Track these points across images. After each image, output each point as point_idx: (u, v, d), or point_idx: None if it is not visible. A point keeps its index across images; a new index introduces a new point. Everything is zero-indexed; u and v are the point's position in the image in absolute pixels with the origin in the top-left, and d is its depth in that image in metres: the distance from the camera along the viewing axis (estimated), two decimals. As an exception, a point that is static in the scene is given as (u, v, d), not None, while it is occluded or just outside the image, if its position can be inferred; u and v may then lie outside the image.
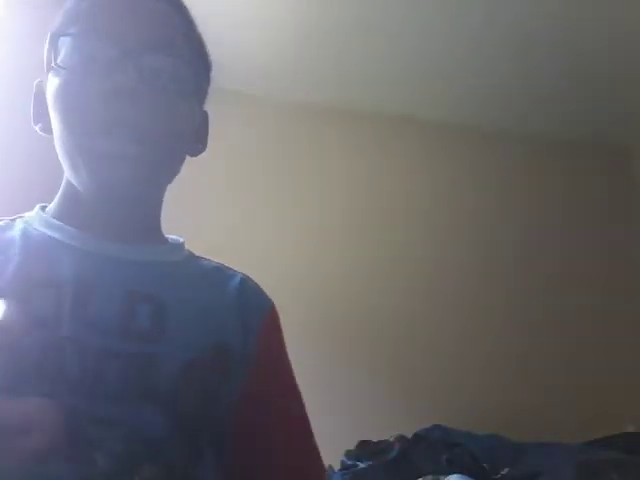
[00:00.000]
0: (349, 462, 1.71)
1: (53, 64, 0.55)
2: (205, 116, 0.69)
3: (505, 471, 1.58)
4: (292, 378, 0.65)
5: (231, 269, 0.68)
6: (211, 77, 0.67)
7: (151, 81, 0.55)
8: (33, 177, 1.61)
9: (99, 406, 0.47)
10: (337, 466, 1.70)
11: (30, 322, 0.44)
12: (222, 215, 2.14)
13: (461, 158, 2.53)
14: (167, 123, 0.57)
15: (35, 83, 0.62)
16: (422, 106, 2.43)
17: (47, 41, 0.58)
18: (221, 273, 0.66)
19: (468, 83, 2.26)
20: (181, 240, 0.68)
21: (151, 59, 0.56)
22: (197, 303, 0.59)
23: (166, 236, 0.68)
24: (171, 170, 0.62)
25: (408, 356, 2.18)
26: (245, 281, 0.66)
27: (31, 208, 0.64)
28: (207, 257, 0.69)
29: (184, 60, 0.58)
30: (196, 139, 0.66)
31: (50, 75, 0.57)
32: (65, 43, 0.55)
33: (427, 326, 2.24)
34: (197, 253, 0.69)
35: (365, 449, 1.76)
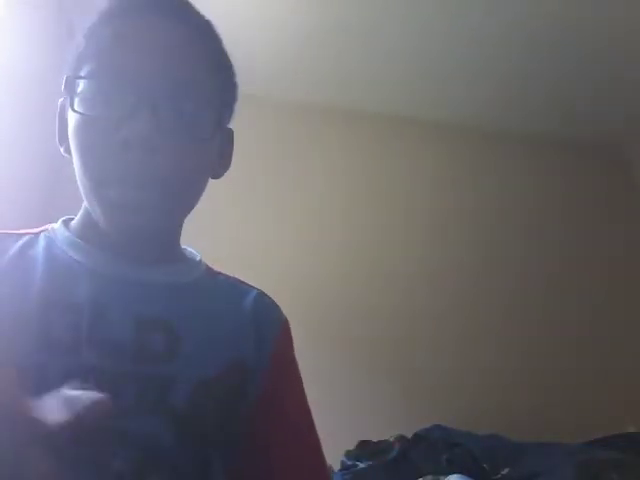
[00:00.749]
0: (349, 462, 1.71)
1: (70, 109, 0.55)
2: (230, 134, 0.68)
3: (505, 471, 1.58)
4: (303, 393, 0.65)
5: (247, 284, 0.68)
6: (237, 93, 0.67)
7: (168, 127, 0.54)
8: (33, 176, 1.61)
9: (116, 421, 0.47)
10: (337, 466, 1.70)
11: (51, 347, 0.49)
12: (222, 215, 2.14)
13: (461, 158, 2.53)
14: (186, 169, 0.56)
15: (59, 102, 0.62)
16: (422, 106, 2.43)
17: (64, 81, 0.57)
18: (236, 289, 0.67)
19: (469, 83, 2.26)
20: (198, 257, 0.68)
21: (168, 104, 0.54)
22: (212, 322, 0.59)
23: (184, 248, 0.68)
24: (191, 206, 0.62)
25: (408, 356, 2.18)
26: (260, 297, 0.66)
27: (31, 209, 0.64)
28: (223, 271, 0.70)
29: (204, 98, 0.57)
30: (220, 161, 0.66)
31: (70, 111, 0.56)
32: (81, 84, 0.55)
33: (427, 326, 2.24)
34: (196, 251, 0.70)
35: (365, 449, 1.76)
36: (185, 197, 0.59)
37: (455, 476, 1.50)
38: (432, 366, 2.18)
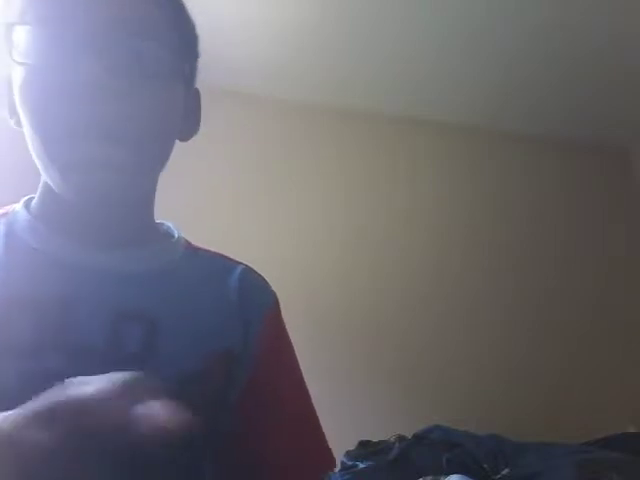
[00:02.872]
0: (349, 462, 1.71)
1: (10, 58, 0.48)
2: (196, 95, 0.61)
3: (505, 471, 1.58)
4: (295, 372, 0.61)
5: (231, 260, 0.63)
6: (198, 48, 0.59)
7: (121, 68, 0.47)
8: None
9: None
10: (337, 466, 1.70)
11: (9, 351, 0.43)
12: (221, 215, 2.14)
13: (461, 158, 2.53)
14: (146, 115, 0.49)
15: (6, 73, 0.54)
16: (423, 107, 2.43)
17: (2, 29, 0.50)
18: (220, 268, 0.61)
19: (469, 84, 2.26)
20: (175, 234, 0.62)
21: (119, 43, 0.47)
22: (194, 311, 0.54)
23: (160, 224, 0.62)
24: (159, 162, 0.55)
25: (408, 356, 2.18)
26: (245, 275, 0.61)
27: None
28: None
29: (161, 37, 0.50)
30: (186, 122, 0.58)
31: (14, 68, 0.49)
32: (23, 32, 0.47)
33: (427, 326, 2.24)
34: (173, 226, 0.65)
35: (365, 449, 1.76)
36: (150, 149, 0.51)
37: (455, 476, 1.50)
38: (432, 366, 2.19)
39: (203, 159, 2.03)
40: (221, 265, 0.62)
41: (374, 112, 2.45)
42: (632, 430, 2.02)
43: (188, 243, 0.62)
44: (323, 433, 0.60)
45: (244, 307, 0.58)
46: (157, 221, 0.62)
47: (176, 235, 0.61)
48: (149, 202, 0.59)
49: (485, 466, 1.60)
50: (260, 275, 0.64)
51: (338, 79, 2.28)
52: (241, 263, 0.63)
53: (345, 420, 1.88)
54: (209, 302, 0.56)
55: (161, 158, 0.55)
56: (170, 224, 0.64)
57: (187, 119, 0.58)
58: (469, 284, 2.35)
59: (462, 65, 2.15)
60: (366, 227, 2.34)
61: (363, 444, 1.79)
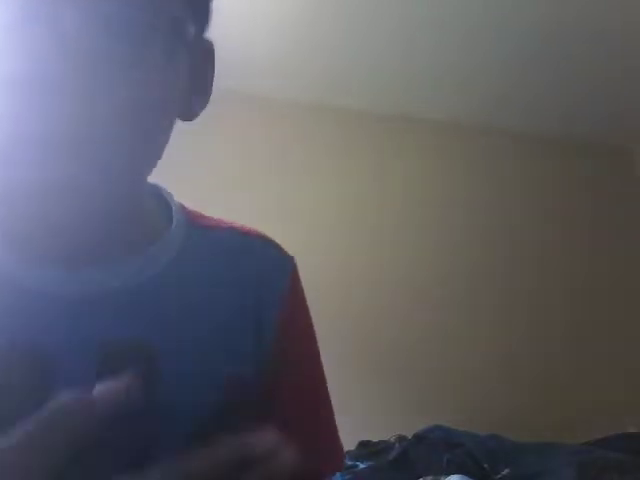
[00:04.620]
0: (349, 462, 1.70)
1: None
2: (207, 56, 0.45)
3: (505, 471, 1.58)
4: (314, 355, 0.54)
5: (247, 233, 0.52)
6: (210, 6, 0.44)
7: (83, 46, 0.32)
8: None
9: None
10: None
11: None
12: (221, 215, 2.14)
13: (459, 157, 2.53)
14: (122, 107, 0.34)
15: None
16: (420, 105, 2.43)
17: None
18: (233, 248, 0.49)
19: (466, 82, 2.26)
20: (174, 217, 0.47)
21: (81, 7, 0.32)
22: (202, 323, 0.44)
23: (153, 203, 0.48)
24: (149, 163, 0.41)
25: (408, 356, 2.18)
26: (264, 251, 0.51)
27: None
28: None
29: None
30: (190, 98, 0.43)
31: None
32: None
33: (427, 326, 2.24)
34: (170, 196, 0.53)
35: (365, 449, 1.76)
36: (134, 151, 0.37)
37: (455, 476, 1.50)
38: (432, 366, 2.18)
39: (201, 159, 2.03)
40: (235, 244, 0.50)
41: (374, 112, 2.45)
42: (632, 430, 2.01)
43: (192, 220, 0.49)
44: (337, 429, 0.55)
45: (261, 293, 0.48)
46: (150, 194, 0.48)
47: (174, 219, 0.47)
48: (135, 200, 0.44)
49: (485, 466, 1.60)
50: (279, 250, 0.53)
51: (338, 79, 2.28)
52: (259, 236, 0.53)
53: (345, 420, 1.88)
54: (221, 307, 0.46)
55: (152, 156, 0.41)
56: (166, 194, 0.50)
57: (192, 93, 0.43)
58: (469, 285, 2.35)
59: (460, 63, 2.15)
60: (366, 228, 2.34)
61: (363, 444, 1.79)
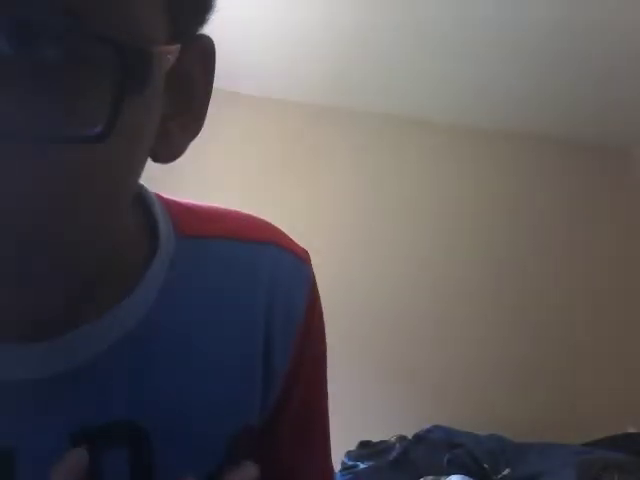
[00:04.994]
0: (350, 463, 1.71)
1: None
2: (206, 45, 0.32)
3: (506, 472, 1.59)
4: (323, 388, 0.47)
5: (254, 240, 0.41)
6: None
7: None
8: None
9: None
10: (338, 467, 1.70)
11: None
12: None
13: (463, 158, 2.52)
14: (61, 193, 0.24)
15: None
16: (424, 107, 2.43)
17: None
18: (234, 269, 0.40)
19: (469, 84, 2.26)
20: (162, 243, 0.37)
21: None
22: (193, 391, 0.36)
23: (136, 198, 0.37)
24: (109, 233, 0.29)
25: (409, 356, 2.18)
26: (275, 268, 0.41)
27: None
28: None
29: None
30: (167, 139, 0.31)
31: None
32: None
33: (428, 326, 2.24)
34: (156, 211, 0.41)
35: (366, 449, 1.76)
36: (91, 220, 0.27)
37: (456, 477, 1.50)
38: (432, 366, 2.18)
39: (201, 159, 2.03)
40: (238, 263, 0.40)
41: (375, 112, 2.46)
42: (632, 430, 2.02)
43: (182, 229, 0.39)
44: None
45: (272, 325, 0.40)
46: (134, 219, 0.37)
47: (161, 245, 0.36)
48: (105, 250, 0.31)
49: (485, 466, 1.60)
50: (291, 251, 0.44)
51: (337, 79, 2.28)
52: (267, 238, 0.42)
53: (345, 420, 1.88)
54: (220, 355, 0.38)
55: (119, 212, 0.30)
56: (149, 201, 0.38)
57: (167, 136, 0.31)
58: (469, 284, 2.35)
59: (464, 66, 2.15)
60: (370, 227, 2.34)
61: (364, 444, 1.79)
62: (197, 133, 0.32)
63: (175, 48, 0.27)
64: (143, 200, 0.39)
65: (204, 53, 0.32)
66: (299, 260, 0.44)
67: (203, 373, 0.37)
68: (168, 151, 0.32)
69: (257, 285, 0.40)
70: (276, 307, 0.40)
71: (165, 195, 0.41)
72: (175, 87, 0.30)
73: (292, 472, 0.45)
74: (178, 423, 0.36)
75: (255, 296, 0.40)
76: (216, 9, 0.32)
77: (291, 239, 0.46)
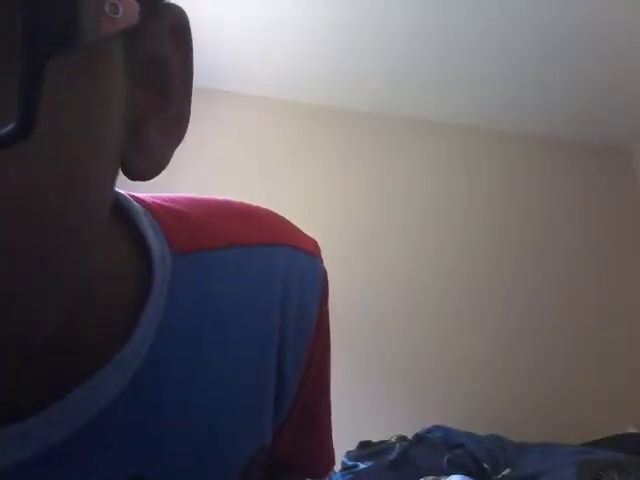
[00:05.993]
0: (350, 463, 1.71)
1: None
2: (177, 41, 0.25)
3: (506, 472, 1.59)
4: (328, 393, 0.49)
5: (260, 245, 0.37)
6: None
7: None
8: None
9: None
10: (338, 467, 1.70)
11: None
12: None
13: (458, 157, 2.53)
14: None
15: None
16: (424, 107, 2.43)
17: None
18: (240, 281, 0.35)
19: (469, 84, 2.26)
20: (156, 277, 0.30)
21: None
22: (209, 427, 0.33)
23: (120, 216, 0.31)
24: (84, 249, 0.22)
25: (409, 356, 2.18)
26: (289, 275, 0.37)
27: None
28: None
29: None
30: (143, 153, 0.25)
31: None
32: None
33: (428, 326, 2.24)
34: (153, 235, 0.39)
35: (366, 449, 1.76)
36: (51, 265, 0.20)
37: (456, 477, 1.50)
38: (432, 366, 2.19)
39: (201, 159, 2.03)
40: (245, 274, 0.35)
41: (374, 112, 2.46)
42: (632, 430, 2.02)
43: (177, 246, 0.32)
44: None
45: (284, 337, 0.37)
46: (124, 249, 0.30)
47: (156, 273, 0.30)
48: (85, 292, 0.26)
49: (485, 466, 1.60)
50: (304, 249, 0.40)
51: (337, 79, 2.28)
52: (278, 238, 0.38)
53: (345, 420, 1.88)
54: (229, 388, 0.33)
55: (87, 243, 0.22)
56: (136, 218, 0.31)
57: (144, 142, 0.24)
58: (469, 285, 2.35)
59: (464, 67, 2.15)
60: (366, 227, 2.34)
61: (364, 444, 1.79)
62: (181, 137, 0.26)
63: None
64: (124, 211, 0.30)
65: (175, 27, 0.24)
66: (311, 258, 0.41)
67: (215, 407, 0.33)
68: (148, 161, 0.24)
69: (271, 297, 0.35)
70: (289, 313, 0.37)
71: (141, 195, 0.33)
72: (144, 75, 0.23)
73: (292, 456, 0.45)
74: (191, 467, 0.32)
75: (270, 313, 0.35)
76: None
77: (298, 230, 0.42)
